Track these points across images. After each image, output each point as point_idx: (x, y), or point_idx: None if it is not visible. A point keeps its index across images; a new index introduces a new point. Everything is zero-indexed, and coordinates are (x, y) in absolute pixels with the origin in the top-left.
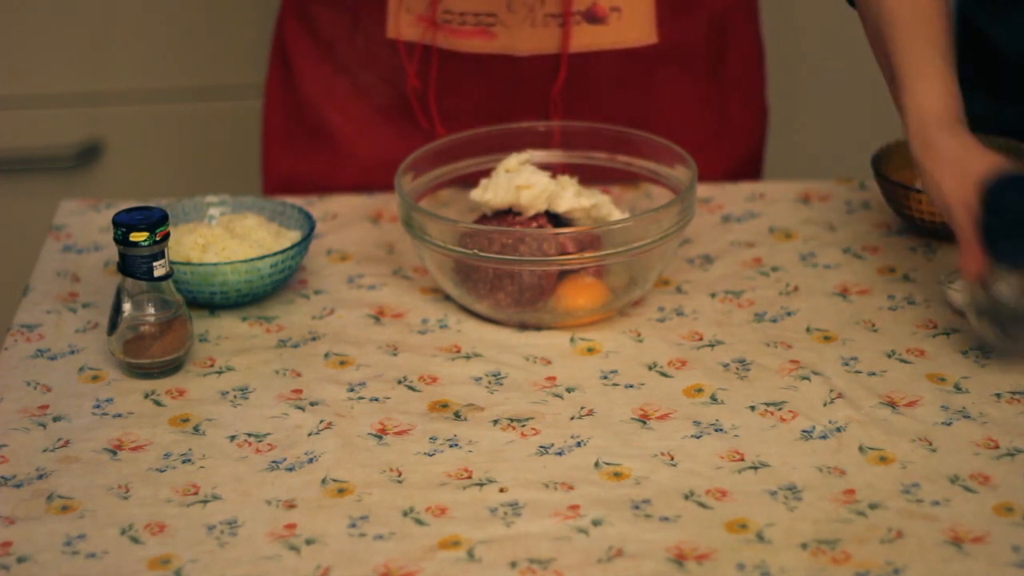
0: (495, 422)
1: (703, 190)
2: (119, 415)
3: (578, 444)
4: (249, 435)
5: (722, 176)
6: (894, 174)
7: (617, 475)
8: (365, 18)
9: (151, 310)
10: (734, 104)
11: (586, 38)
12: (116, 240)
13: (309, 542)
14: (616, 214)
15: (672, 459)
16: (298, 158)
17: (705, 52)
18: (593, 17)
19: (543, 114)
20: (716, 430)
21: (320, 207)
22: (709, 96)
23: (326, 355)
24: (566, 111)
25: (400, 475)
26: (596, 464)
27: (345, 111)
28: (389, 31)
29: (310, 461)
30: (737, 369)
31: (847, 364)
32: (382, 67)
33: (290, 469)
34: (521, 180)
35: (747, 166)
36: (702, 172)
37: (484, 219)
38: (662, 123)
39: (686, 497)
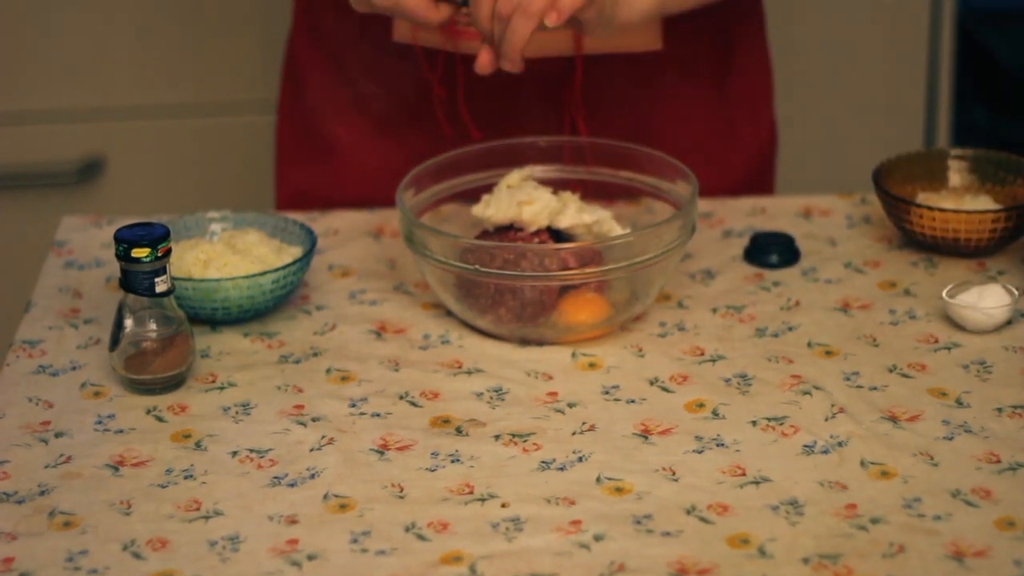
0: (497, 437)
1: (704, 205)
2: (121, 431)
3: (579, 459)
4: (251, 451)
5: (729, 190)
6: (895, 188)
7: (619, 490)
8: (371, 25)
9: (153, 326)
10: (741, 117)
11: (591, 41)
12: (118, 256)
13: (311, 558)
14: (617, 230)
15: (674, 474)
16: (306, 173)
17: (711, 62)
18: None
19: (554, 118)
20: (718, 445)
21: (322, 223)
22: (715, 107)
23: (328, 371)
24: (574, 115)
25: (402, 490)
26: (598, 479)
27: (349, 122)
28: (395, 35)
29: (312, 477)
30: (738, 384)
31: (848, 379)
32: (387, 76)
33: (292, 485)
34: (523, 196)
35: (755, 181)
36: (709, 185)
37: (486, 235)
38: (668, 132)
39: (688, 512)
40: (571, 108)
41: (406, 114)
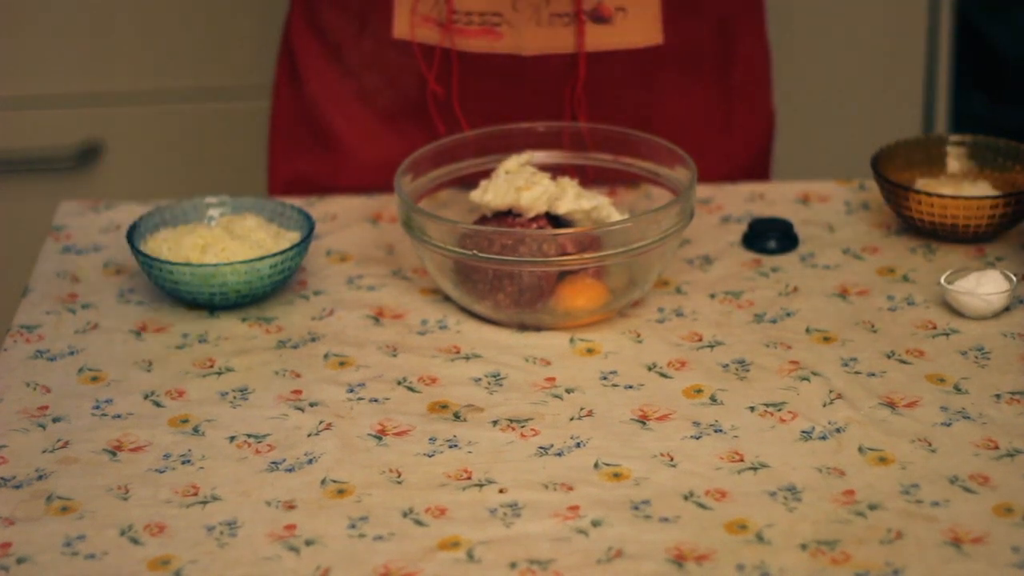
0: (495, 423)
1: (703, 191)
2: (118, 416)
3: (577, 445)
4: (248, 436)
5: (726, 179)
6: (894, 175)
7: (616, 476)
8: (372, 20)
9: None
10: (740, 108)
11: (591, 38)
12: None
13: (309, 543)
14: (616, 215)
15: (671, 460)
16: (302, 160)
17: (711, 55)
18: (598, 17)
19: (554, 115)
20: (715, 431)
21: (320, 208)
22: (715, 100)
23: (326, 356)
24: (575, 112)
25: (400, 476)
26: (595, 465)
27: (349, 114)
28: (395, 32)
29: (309, 462)
30: (736, 370)
31: (846, 365)
32: (388, 70)
33: (290, 470)
34: (521, 181)
35: (752, 170)
36: (706, 175)
37: (484, 220)
38: (667, 125)
39: (685, 498)
40: (572, 105)
41: (406, 109)
